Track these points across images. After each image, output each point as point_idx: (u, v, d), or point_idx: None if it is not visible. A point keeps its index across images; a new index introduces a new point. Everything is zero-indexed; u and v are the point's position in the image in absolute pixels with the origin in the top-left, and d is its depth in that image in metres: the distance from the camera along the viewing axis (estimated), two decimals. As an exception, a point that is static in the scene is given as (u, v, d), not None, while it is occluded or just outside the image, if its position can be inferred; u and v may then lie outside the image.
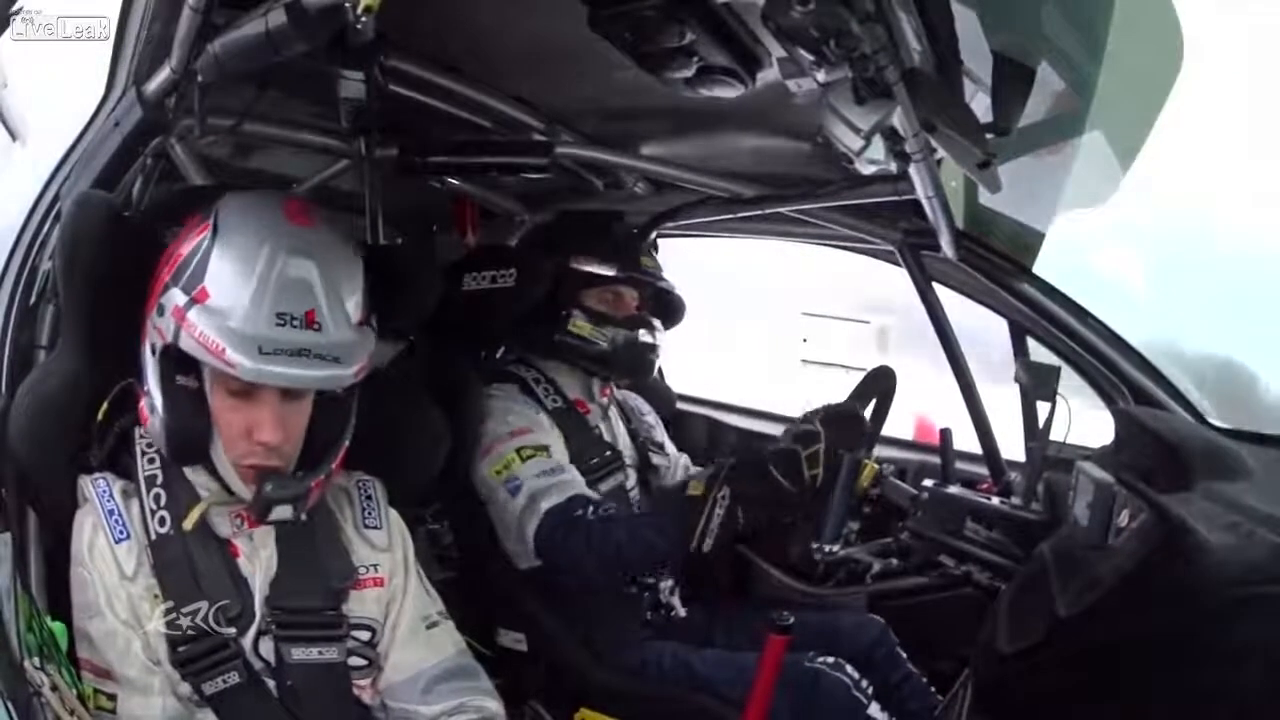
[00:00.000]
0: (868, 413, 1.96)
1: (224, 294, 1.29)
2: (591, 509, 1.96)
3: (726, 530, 1.80)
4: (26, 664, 1.15)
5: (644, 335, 2.27)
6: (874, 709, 1.96)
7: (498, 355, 2.48)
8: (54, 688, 1.15)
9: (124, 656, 1.32)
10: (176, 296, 1.31)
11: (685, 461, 2.51)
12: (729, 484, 1.80)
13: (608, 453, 2.26)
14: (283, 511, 1.37)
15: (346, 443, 1.46)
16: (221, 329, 1.27)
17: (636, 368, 2.31)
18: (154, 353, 1.35)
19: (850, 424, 1.84)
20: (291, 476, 1.39)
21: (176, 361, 1.33)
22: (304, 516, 1.46)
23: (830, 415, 1.83)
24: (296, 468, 1.42)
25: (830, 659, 1.99)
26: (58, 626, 1.27)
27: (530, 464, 2.05)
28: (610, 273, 2.25)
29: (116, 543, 1.35)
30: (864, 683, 1.98)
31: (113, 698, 1.31)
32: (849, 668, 1.99)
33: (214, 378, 1.34)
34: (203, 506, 1.39)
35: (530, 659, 2.15)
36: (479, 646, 1.74)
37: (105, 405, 1.45)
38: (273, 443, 1.34)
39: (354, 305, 1.38)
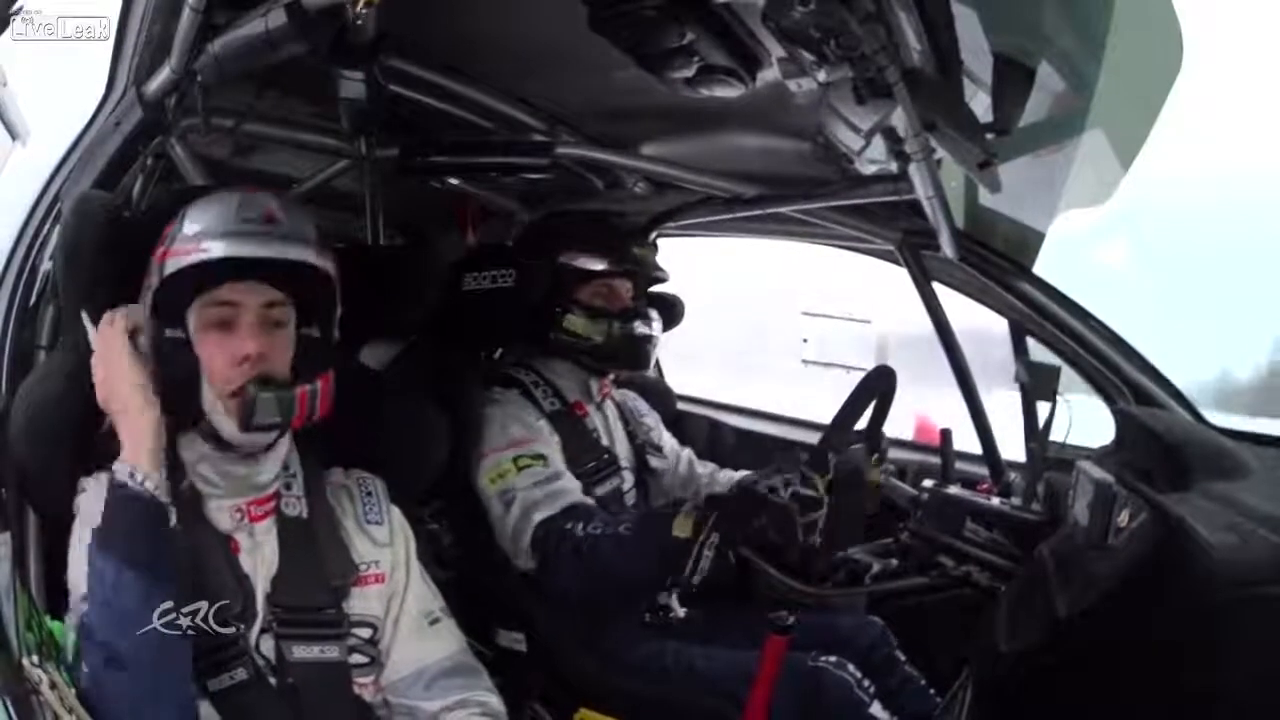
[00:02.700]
0: (867, 414, 1.96)
1: (196, 223, 1.39)
2: (582, 526, 1.95)
3: (717, 567, 1.76)
4: (25, 662, 1.15)
5: (641, 326, 2.26)
6: (876, 708, 1.96)
7: (497, 356, 2.48)
8: (53, 685, 1.15)
9: None
10: (160, 252, 1.40)
11: (689, 455, 2.50)
12: (718, 530, 1.75)
13: (604, 456, 2.26)
14: (269, 412, 1.36)
15: (331, 373, 1.46)
16: (194, 236, 1.37)
17: (633, 359, 2.31)
18: (145, 311, 1.40)
19: (858, 490, 1.75)
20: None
21: (163, 317, 1.39)
22: (303, 513, 1.46)
23: (840, 480, 1.71)
24: None
25: (833, 658, 1.99)
26: (56, 626, 1.27)
27: (525, 474, 2.04)
28: (601, 266, 2.24)
29: None
30: (866, 682, 1.98)
31: None
32: (851, 667, 1.99)
33: (198, 321, 1.39)
34: (190, 481, 1.40)
35: (530, 659, 2.14)
36: (478, 646, 1.74)
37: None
38: (256, 350, 1.37)
39: (312, 232, 1.44)
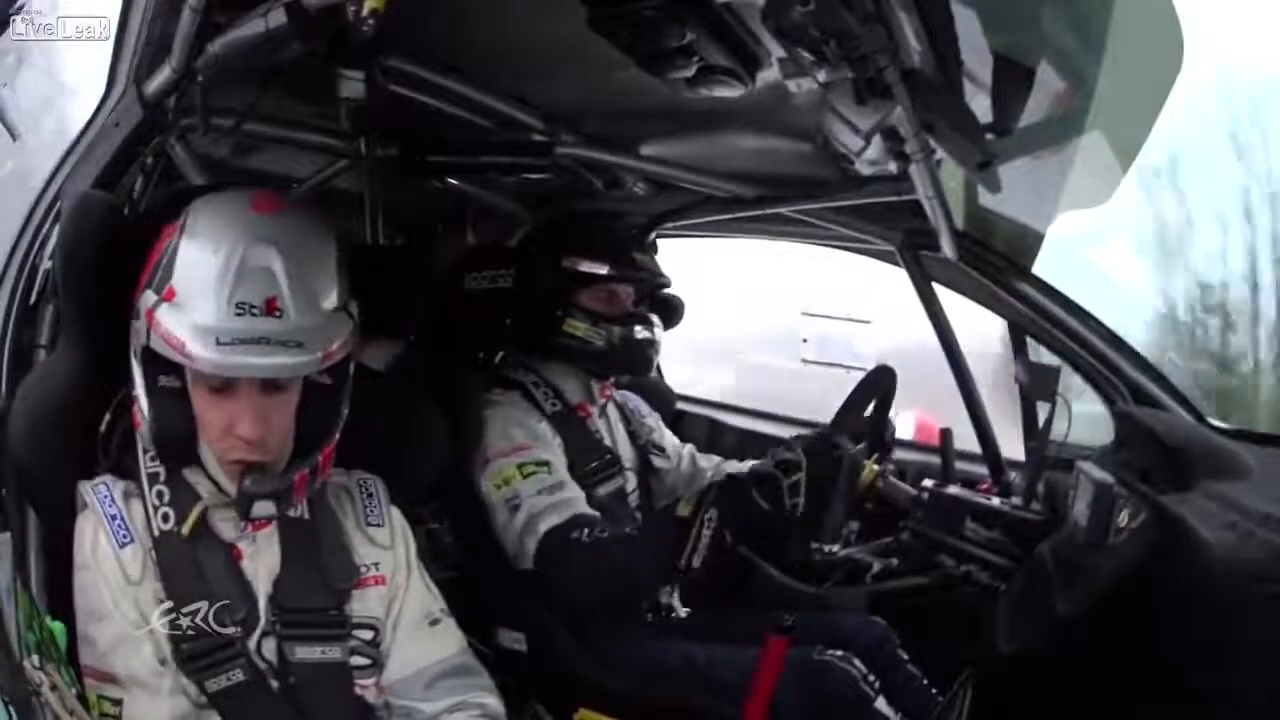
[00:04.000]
0: (866, 414, 1.97)
1: (187, 290, 1.29)
2: (587, 532, 1.96)
3: (714, 549, 1.81)
4: (26, 663, 1.15)
5: (641, 331, 2.26)
6: (881, 703, 1.96)
7: (498, 358, 2.48)
8: (53, 687, 1.14)
9: (132, 658, 1.31)
10: (148, 298, 1.31)
11: (690, 451, 2.51)
12: (715, 505, 1.80)
13: (607, 456, 2.26)
14: (264, 508, 1.35)
15: (336, 436, 1.44)
16: (183, 324, 1.26)
17: (635, 364, 2.31)
18: (136, 356, 1.35)
19: (828, 456, 1.85)
20: (275, 473, 1.38)
21: (157, 363, 1.33)
22: (305, 515, 1.46)
23: (812, 445, 1.83)
24: (289, 463, 1.41)
25: (839, 651, 1.99)
26: (57, 626, 1.27)
27: (531, 480, 2.04)
28: (603, 271, 2.24)
29: (121, 547, 1.34)
30: (871, 676, 1.98)
31: (117, 703, 1.29)
32: (857, 661, 1.99)
33: (193, 376, 1.34)
34: (199, 509, 1.38)
35: (530, 659, 2.14)
36: (478, 645, 1.74)
37: (109, 414, 1.44)
38: (252, 437, 1.33)
39: (325, 290, 1.35)
